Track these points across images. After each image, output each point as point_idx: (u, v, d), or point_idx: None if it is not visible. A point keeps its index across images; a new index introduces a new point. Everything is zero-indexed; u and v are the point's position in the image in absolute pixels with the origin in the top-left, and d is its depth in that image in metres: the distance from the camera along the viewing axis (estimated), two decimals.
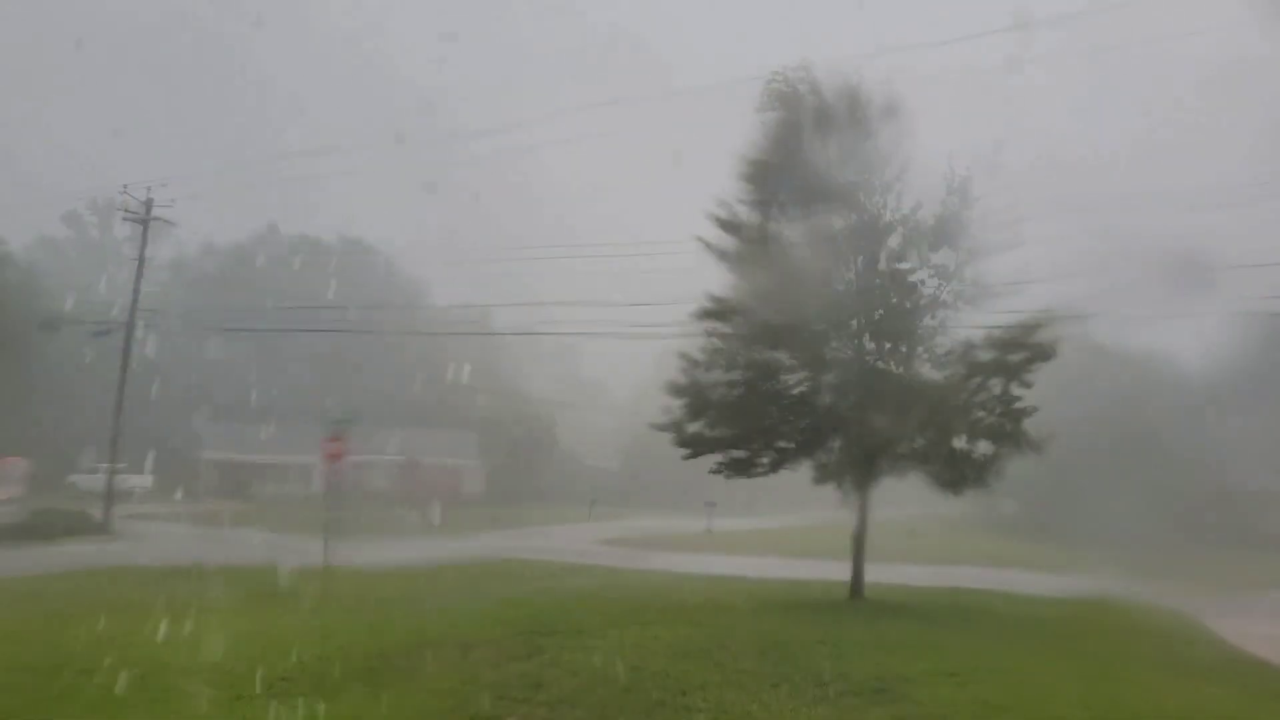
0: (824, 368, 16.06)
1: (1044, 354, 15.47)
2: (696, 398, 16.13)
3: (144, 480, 46.81)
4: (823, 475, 16.43)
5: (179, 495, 48.61)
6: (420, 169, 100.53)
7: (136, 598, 14.72)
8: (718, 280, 16.13)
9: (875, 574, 16.96)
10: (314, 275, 54.57)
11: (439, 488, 53.76)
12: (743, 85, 15.90)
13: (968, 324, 16.21)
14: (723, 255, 16.00)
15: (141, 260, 31.00)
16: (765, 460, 16.42)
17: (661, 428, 16.59)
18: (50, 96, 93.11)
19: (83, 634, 11.33)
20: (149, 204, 30.87)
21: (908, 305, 16.09)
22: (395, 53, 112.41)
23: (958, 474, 15.95)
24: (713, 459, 16.58)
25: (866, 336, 16.13)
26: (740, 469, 16.57)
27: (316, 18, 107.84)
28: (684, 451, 16.58)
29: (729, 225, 15.97)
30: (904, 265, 16.07)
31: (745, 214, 16.03)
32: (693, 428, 16.28)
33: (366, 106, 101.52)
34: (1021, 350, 15.45)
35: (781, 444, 16.29)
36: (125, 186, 31.04)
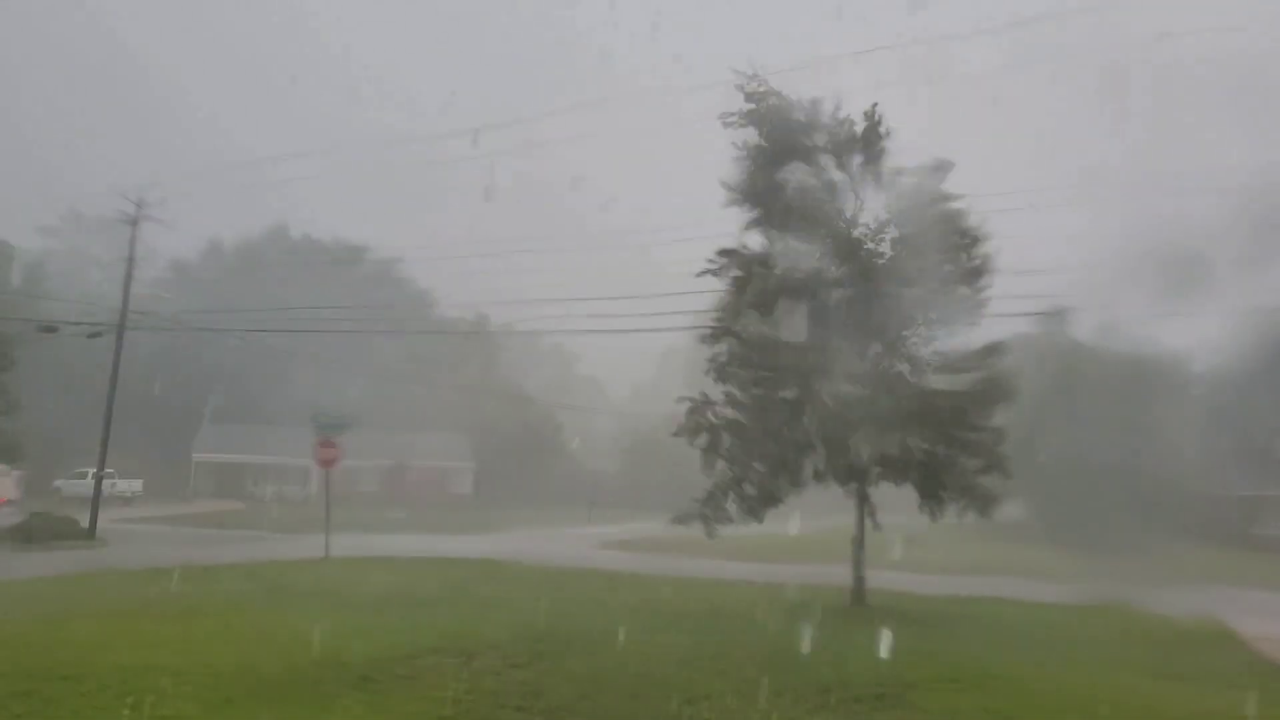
0: (819, 376, 15.78)
1: (1003, 393, 15.26)
2: (715, 439, 16.04)
3: (134, 484, 46.55)
4: (815, 478, 16.16)
5: (171, 498, 48.41)
6: (416, 168, 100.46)
7: (122, 602, 14.50)
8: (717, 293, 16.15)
9: (878, 581, 16.80)
10: (311, 277, 54.39)
11: (425, 489, 53.83)
12: (724, 86, 15.75)
13: (963, 332, 16.03)
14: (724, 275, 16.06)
15: (131, 262, 30.71)
16: (779, 488, 16.18)
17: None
18: (43, 101, 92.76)
19: (66, 638, 11.10)
20: (139, 205, 30.62)
21: (900, 311, 15.83)
22: (390, 53, 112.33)
23: (937, 487, 15.63)
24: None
25: (861, 344, 15.88)
26: (761, 506, 16.26)
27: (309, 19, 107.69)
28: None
29: (728, 252, 16.02)
30: (891, 265, 15.82)
31: (739, 235, 16.14)
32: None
33: (357, 108, 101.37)
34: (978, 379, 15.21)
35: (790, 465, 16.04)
36: (125, 189, 30.85)
